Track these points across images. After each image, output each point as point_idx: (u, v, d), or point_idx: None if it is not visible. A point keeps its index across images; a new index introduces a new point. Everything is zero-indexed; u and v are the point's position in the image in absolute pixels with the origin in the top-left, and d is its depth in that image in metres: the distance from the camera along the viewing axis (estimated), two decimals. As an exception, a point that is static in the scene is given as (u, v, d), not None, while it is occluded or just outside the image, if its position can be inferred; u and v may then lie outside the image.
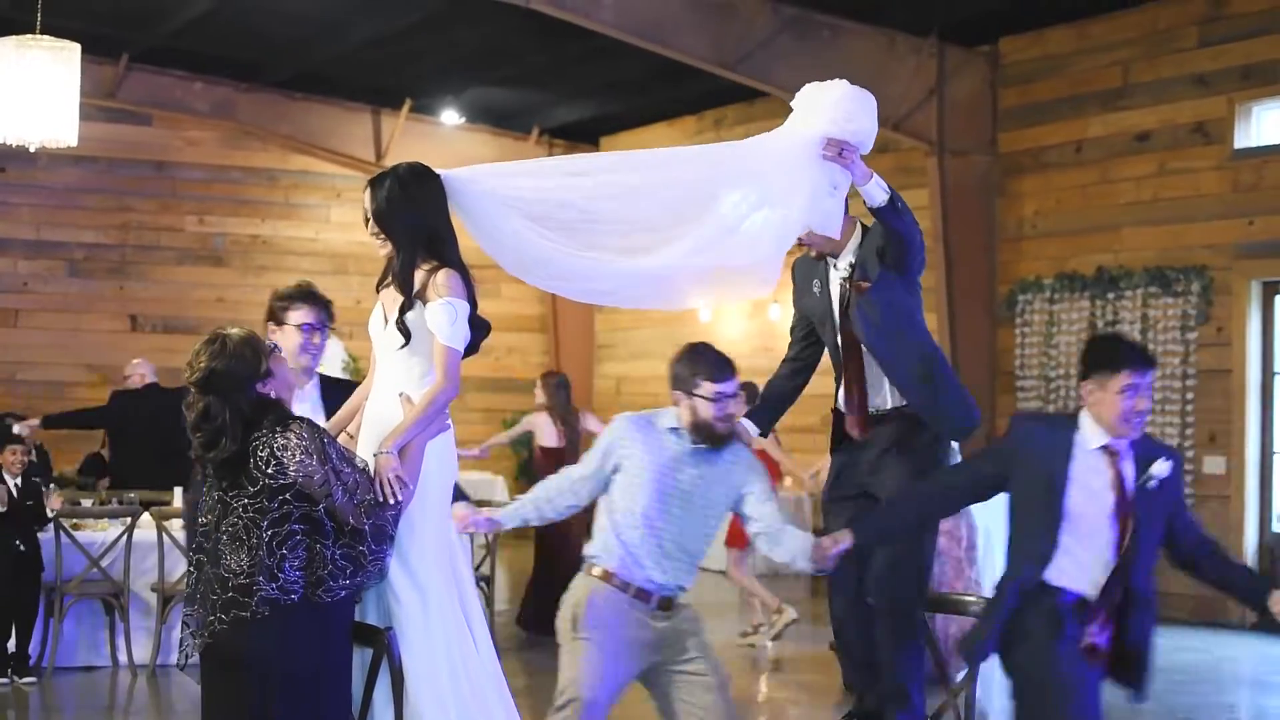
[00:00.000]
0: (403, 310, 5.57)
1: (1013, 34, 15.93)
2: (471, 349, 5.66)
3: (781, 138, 6.31)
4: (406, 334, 5.56)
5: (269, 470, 5.21)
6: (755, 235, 6.17)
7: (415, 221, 5.63)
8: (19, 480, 10.57)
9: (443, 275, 5.55)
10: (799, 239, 6.70)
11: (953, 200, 15.87)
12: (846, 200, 6.56)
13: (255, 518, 5.22)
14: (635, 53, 15.43)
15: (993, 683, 11.12)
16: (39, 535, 10.72)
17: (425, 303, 5.54)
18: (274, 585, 5.19)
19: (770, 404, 7.26)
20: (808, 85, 6.43)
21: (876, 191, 6.40)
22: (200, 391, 5.29)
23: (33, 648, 10.64)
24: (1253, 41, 13.88)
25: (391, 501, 5.33)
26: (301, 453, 5.20)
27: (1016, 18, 15.56)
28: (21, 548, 10.48)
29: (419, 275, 5.59)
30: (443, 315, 5.50)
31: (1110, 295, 14.89)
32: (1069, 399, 15.24)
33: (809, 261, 7.05)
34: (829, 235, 6.45)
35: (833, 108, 6.25)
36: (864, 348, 6.81)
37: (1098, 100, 15.17)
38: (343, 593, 5.30)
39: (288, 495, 5.22)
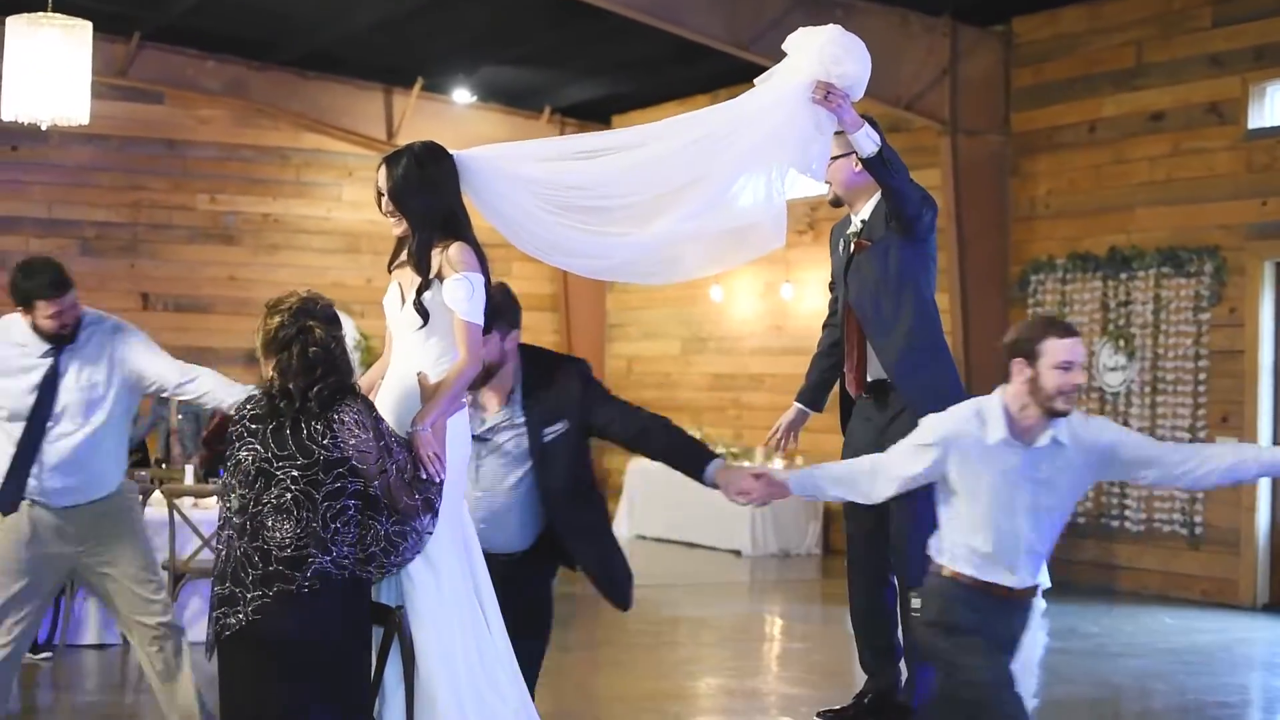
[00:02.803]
0: (420, 291, 5.55)
1: (1026, 13, 15.89)
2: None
3: (771, 90, 6.27)
4: (425, 315, 5.55)
5: (324, 443, 5.20)
6: (742, 199, 6.15)
7: (431, 201, 5.62)
8: None
9: (455, 249, 5.54)
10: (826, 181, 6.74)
11: (965, 180, 15.84)
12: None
13: (309, 490, 5.19)
14: (647, 32, 15.40)
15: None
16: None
17: (441, 280, 5.54)
18: (328, 559, 5.18)
19: (816, 383, 7.28)
20: (800, 29, 6.40)
21: (865, 142, 6.39)
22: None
23: (44, 625, 10.66)
24: (1267, 22, 13.84)
25: (437, 479, 5.35)
26: (358, 428, 5.20)
27: (1030, -3, 15.52)
28: None
29: (434, 254, 5.59)
30: (459, 290, 5.50)
31: (1123, 275, 14.87)
32: (1081, 379, 15.21)
33: (842, 223, 7.06)
34: (814, 178, 6.39)
35: (820, 50, 6.21)
36: (852, 304, 6.82)
37: (1111, 80, 15.13)
38: (393, 570, 5.33)
39: (344, 469, 5.22)
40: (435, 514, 5.40)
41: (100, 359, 7.08)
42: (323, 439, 5.20)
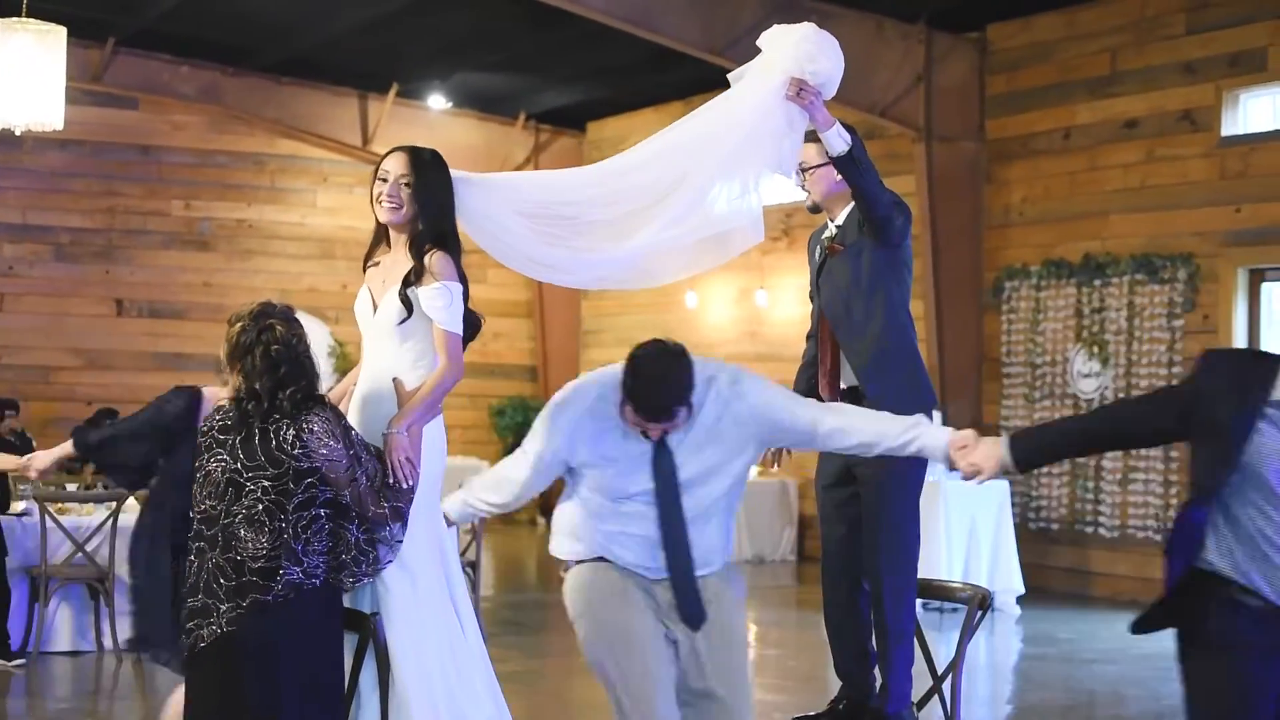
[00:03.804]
0: (405, 283, 5.56)
1: (1001, 20, 15.92)
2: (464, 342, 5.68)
3: (745, 89, 6.28)
4: (409, 306, 5.55)
5: (294, 452, 5.19)
6: (718, 205, 6.16)
7: (444, 203, 5.66)
8: None
9: (438, 258, 5.56)
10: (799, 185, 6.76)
11: (940, 187, 15.87)
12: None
13: (279, 500, 5.19)
14: (623, 38, 15.41)
15: (977, 669, 11.18)
16: (17, 519, 10.73)
17: (419, 286, 5.55)
18: (299, 569, 5.18)
19: (804, 394, 7.26)
20: (775, 25, 6.41)
21: (836, 140, 6.39)
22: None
23: (18, 632, 10.63)
24: (1241, 29, 13.88)
25: (405, 485, 5.34)
26: (329, 436, 5.19)
27: (1005, 4, 15.55)
28: None
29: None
30: (439, 299, 5.51)
31: (1097, 282, 14.91)
32: (1055, 386, 15.26)
33: (818, 231, 7.06)
34: (784, 175, 6.39)
35: (794, 47, 6.22)
36: (824, 309, 6.82)
37: (1086, 87, 15.17)
38: (365, 579, 5.33)
39: (314, 479, 5.21)
40: (404, 522, 5.39)
41: None
42: (293, 449, 5.19)
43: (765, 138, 6.17)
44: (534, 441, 5.75)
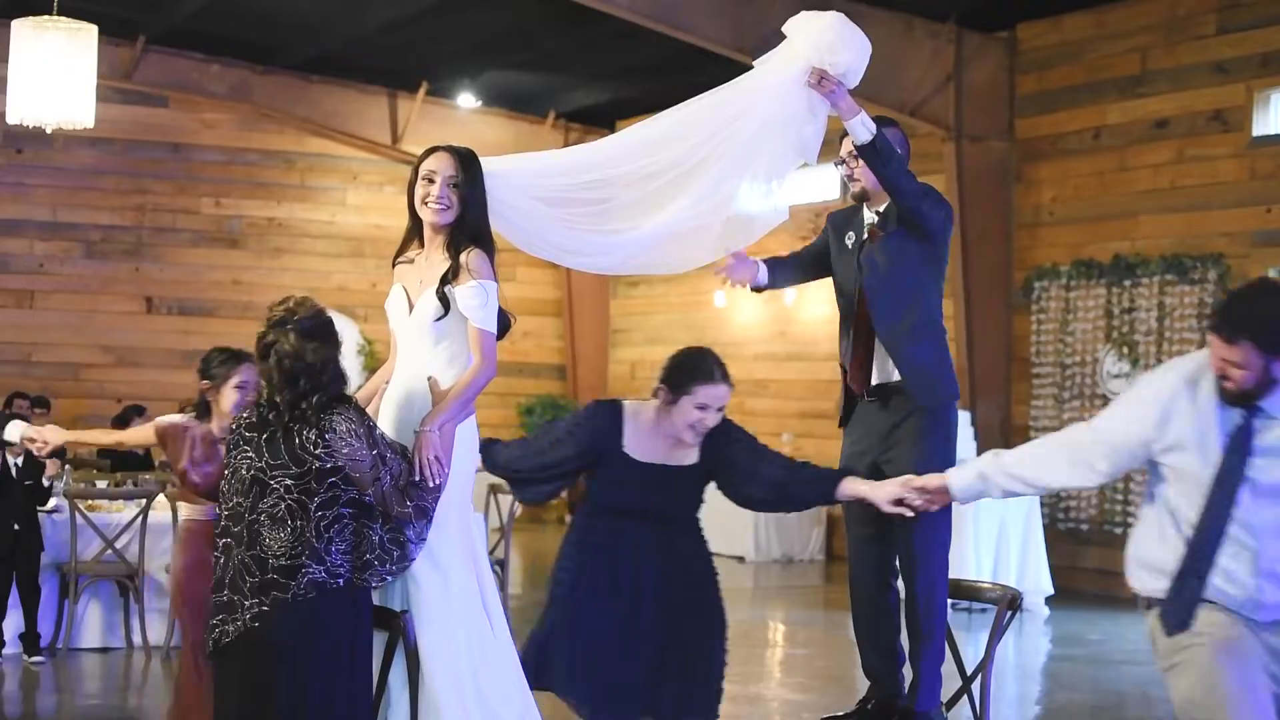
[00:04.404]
0: (444, 281, 5.57)
1: (1031, 19, 15.89)
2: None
3: (768, 74, 6.32)
4: (446, 304, 5.56)
5: (317, 452, 5.19)
6: (740, 200, 6.21)
7: (483, 196, 5.70)
8: (19, 461, 10.55)
9: (475, 257, 5.57)
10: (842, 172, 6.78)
11: (969, 186, 15.84)
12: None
13: (302, 499, 5.19)
14: (652, 37, 15.41)
15: (1006, 670, 11.16)
16: (50, 515, 10.76)
17: (456, 285, 5.56)
18: (321, 568, 5.18)
19: (782, 262, 7.22)
20: (802, 12, 6.44)
21: (860, 130, 6.41)
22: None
23: (48, 629, 10.67)
24: (1272, 29, 13.84)
25: (432, 482, 5.34)
26: (352, 436, 5.19)
27: (1035, 3, 15.53)
28: (17, 528, 10.48)
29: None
30: (475, 298, 5.52)
31: (1127, 282, 14.87)
32: (1084, 386, 15.22)
33: (847, 212, 7.04)
34: (808, 160, 6.42)
35: (818, 35, 6.25)
36: (864, 293, 6.80)
37: (1116, 87, 15.14)
38: (390, 578, 5.34)
39: (337, 479, 5.21)
40: (429, 521, 5.39)
41: None
42: (315, 448, 5.19)
43: (787, 122, 6.22)
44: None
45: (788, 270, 7.24)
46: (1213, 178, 14.27)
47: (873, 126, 6.43)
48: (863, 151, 6.50)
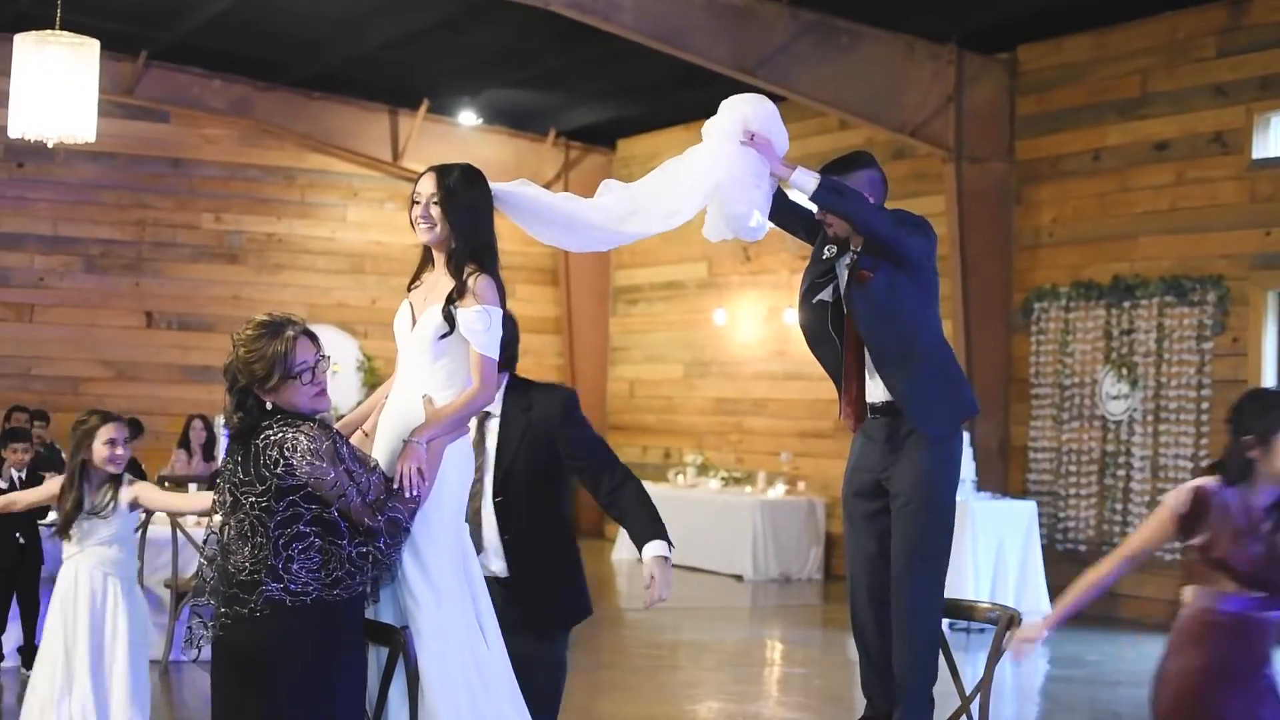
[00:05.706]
0: (449, 300, 5.60)
1: (1031, 41, 15.92)
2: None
3: (706, 150, 6.43)
4: (452, 322, 5.58)
5: (277, 470, 5.21)
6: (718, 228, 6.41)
7: (475, 218, 5.70)
8: (23, 474, 10.60)
9: (481, 282, 5.60)
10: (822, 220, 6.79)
11: (969, 207, 15.86)
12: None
13: (262, 516, 5.22)
14: (653, 56, 15.43)
15: (1004, 690, 11.15)
16: (50, 529, 10.77)
17: (460, 307, 5.59)
18: (278, 585, 5.20)
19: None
20: (728, 99, 6.58)
21: (805, 180, 6.46)
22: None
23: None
24: (1272, 52, 13.87)
25: (409, 494, 5.35)
26: (312, 455, 5.20)
27: (1035, 25, 15.55)
28: (21, 540, 10.50)
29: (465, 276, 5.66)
30: (478, 323, 5.54)
31: (1126, 304, 14.89)
32: (1083, 407, 15.23)
33: (818, 265, 7.01)
34: (752, 237, 6.48)
35: (734, 108, 6.41)
36: (861, 335, 6.79)
37: (1116, 109, 15.17)
38: (360, 589, 5.34)
39: (296, 497, 5.22)
40: (405, 533, 5.41)
41: None
42: (276, 466, 5.22)
43: (739, 180, 6.31)
44: None
45: (790, 212, 7.18)
46: (1213, 200, 14.29)
47: (815, 175, 6.47)
48: (816, 201, 6.54)
